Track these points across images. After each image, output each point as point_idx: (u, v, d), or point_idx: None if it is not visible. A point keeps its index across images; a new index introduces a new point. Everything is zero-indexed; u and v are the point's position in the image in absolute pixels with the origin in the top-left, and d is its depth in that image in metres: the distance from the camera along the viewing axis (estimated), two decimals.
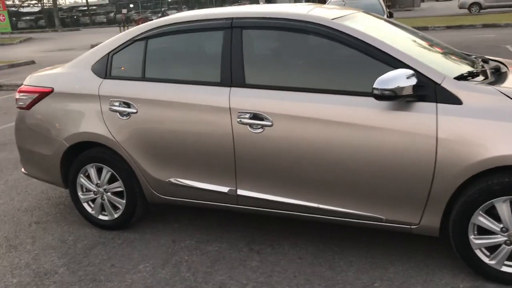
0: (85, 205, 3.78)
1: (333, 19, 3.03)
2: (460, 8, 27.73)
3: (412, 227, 2.86)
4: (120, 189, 3.60)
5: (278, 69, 3.13)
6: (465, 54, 3.59)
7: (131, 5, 67.20)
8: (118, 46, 3.53)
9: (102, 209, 3.74)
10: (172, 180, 3.37)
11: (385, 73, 2.71)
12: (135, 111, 3.36)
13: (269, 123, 2.98)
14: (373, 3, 11.75)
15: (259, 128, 3.01)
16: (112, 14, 63.38)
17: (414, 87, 2.64)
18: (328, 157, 2.88)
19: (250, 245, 3.38)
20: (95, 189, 3.68)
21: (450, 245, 3.02)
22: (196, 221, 3.81)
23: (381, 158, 2.76)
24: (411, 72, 2.65)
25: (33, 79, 3.88)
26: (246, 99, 3.06)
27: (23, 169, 4.11)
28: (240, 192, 3.20)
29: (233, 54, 3.14)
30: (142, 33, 3.47)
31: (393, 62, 2.78)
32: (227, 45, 3.17)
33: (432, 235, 2.86)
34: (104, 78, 3.53)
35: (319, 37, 3.00)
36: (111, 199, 3.66)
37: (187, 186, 3.34)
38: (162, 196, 3.49)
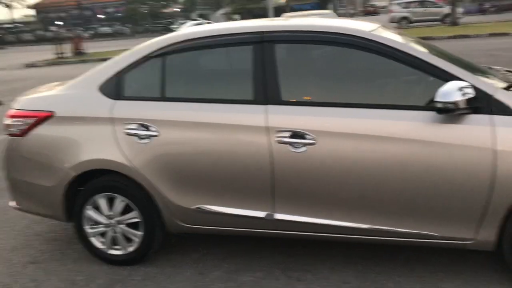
0: (93, 239, 3.41)
1: (370, 31, 2.92)
2: (391, 22, 29.00)
3: (466, 242, 2.78)
4: (135, 220, 3.27)
5: (317, 84, 2.98)
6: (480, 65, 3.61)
7: (61, 23, 64.88)
8: (131, 64, 3.24)
9: (113, 243, 3.38)
10: (200, 207, 3.10)
11: (433, 86, 2.63)
12: (156, 133, 3.07)
13: (313, 141, 2.81)
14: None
15: (301, 147, 2.83)
16: (40, 32, 60.87)
17: (468, 99, 2.58)
18: (378, 175, 2.75)
19: (286, 272, 3.17)
20: (105, 222, 3.33)
21: (496, 259, 2.96)
22: (215, 249, 3.54)
23: (435, 173, 2.67)
24: (467, 84, 2.58)
25: (27, 103, 3.48)
26: (285, 116, 2.88)
27: (13, 203, 3.66)
28: (279, 216, 2.99)
29: (267, 70, 2.95)
30: (158, 49, 3.20)
31: (442, 75, 2.71)
32: (258, 60, 2.97)
33: (487, 249, 2.78)
34: (116, 99, 3.21)
35: (358, 50, 2.87)
36: (125, 232, 3.32)
37: (217, 213, 3.09)
38: (187, 225, 3.21)
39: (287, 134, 2.85)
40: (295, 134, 2.84)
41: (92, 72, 3.42)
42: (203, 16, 59.64)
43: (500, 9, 41.94)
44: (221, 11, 54.03)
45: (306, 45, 3.00)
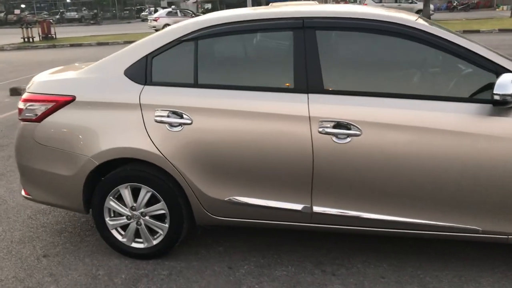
0: (114, 232, 3.24)
1: (415, 20, 2.85)
2: None
3: (509, 236, 2.75)
4: (161, 211, 3.12)
5: (361, 73, 2.88)
6: None
7: (23, 5, 62.60)
8: (160, 48, 3.06)
9: (136, 235, 3.22)
10: (233, 198, 2.98)
11: (481, 77, 2.60)
12: (189, 121, 2.92)
13: (358, 132, 2.72)
14: None
15: (345, 138, 2.74)
16: (2, 15, 58.64)
17: None
18: (425, 168, 2.69)
19: (319, 267, 3.09)
20: (129, 213, 3.16)
21: None
22: (238, 242, 3.43)
23: (482, 166, 2.63)
24: None
25: (44, 86, 3.26)
26: (328, 106, 2.78)
27: (24, 193, 3.45)
28: (316, 209, 2.90)
29: (308, 57, 2.84)
30: (190, 33, 3.03)
31: (492, 67, 2.66)
32: (299, 47, 2.86)
33: None
34: (144, 84, 3.04)
35: (403, 39, 2.79)
36: (150, 224, 3.16)
37: (251, 205, 2.97)
38: (217, 217, 3.07)
39: (331, 124, 2.75)
40: (339, 125, 2.75)
41: (115, 55, 3.23)
42: (173, 4, 58.69)
43: (468, 7, 43.02)
44: (192, 0, 53.25)
45: (349, 32, 2.89)
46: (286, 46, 2.91)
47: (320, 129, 2.76)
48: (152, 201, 3.12)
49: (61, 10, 58.82)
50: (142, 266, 3.17)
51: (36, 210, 4.12)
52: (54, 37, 26.52)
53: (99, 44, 22.71)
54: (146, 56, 3.07)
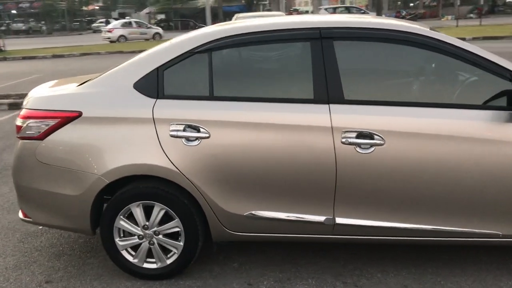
0: (124, 253, 3.09)
1: (430, 30, 2.89)
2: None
3: None
4: (176, 229, 3.00)
5: (380, 83, 2.89)
6: None
7: None
8: (171, 60, 2.96)
9: (148, 255, 3.09)
10: (253, 213, 2.90)
11: (497, 84, 2.66)
12: (207, 135, 2.83)
13: (381, 142, 2.72)
14: None
15: (368, 148, 2.73)
16: None
17: None
18: (448, 175, 2.72)
19: (339, 278, 3.06)
20: (141, 233, 3.02)
21: None
22: (253, 257, 3.35)
23: (505, 171, 2.68)
24: None
25: (45, 101, 3.08)
26: (351, 116, 2.76)
27: (22, 215, 3.24)
28: (339, 220, 2.87)
29: (327, 67, 2.82)
30: (203, 45, 2.95)
31: (506, 73, 2.73)
32: (317, 57, 2.83)
33: None
34: (156, 98, 2.93)
35: (420, 48, 2.83)
36: (163, 243, 3.04)
37: (272, 218, 2.91)
38: (236, 233, 2.99)
39: (354, 134, 2.74)
40: (362, 135, 2.74)
41: (121, 68, 3.10)
42: (125, 15, 57.83)
43: (415, 17, 44.65)
44: (146, 10, 52.64)
45: (367, 42, 2.90)
46: (304, 57, 2.88)
47: (343, 140, 2.74)
48: (165, 219, 3.00)
49: (6, 22, 56.70)
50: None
51: (25, 233, 3.89)
52: (2, 49, 25.47)
53: (55, 56, 21.99)
54: (157, 68, 2.96)
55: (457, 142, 2.68)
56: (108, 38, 31.79)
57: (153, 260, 3.09)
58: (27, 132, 3.01)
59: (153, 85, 2.94)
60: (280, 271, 3.16)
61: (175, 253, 3.05)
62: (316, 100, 2.81)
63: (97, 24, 56.35)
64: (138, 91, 2.95)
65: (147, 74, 2.96)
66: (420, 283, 2.96)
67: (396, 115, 2.75)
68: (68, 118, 2.95)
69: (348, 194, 2.82)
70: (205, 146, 2.83)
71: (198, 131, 2.84)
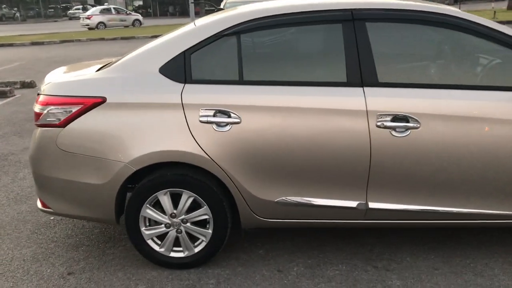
0: (150, 242, 3.01)
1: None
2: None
3: None
4: (204, 217, 2.94)
5: (414, 65, 2.86)
6: None
7: None
8: (199, 43, 2.87)
9: (174, 244, 3.02)
10: (285, 199, 2.86)
11: None
12: (237, 120, 2.76)
13: (417, 125, 2.69)
14: None
15: (404, 131, 2.70)
16: None
17: None
18: (484, 158, 2.71)
19: (369, 263, 3.04)
20: (168, 221, 2.95)
21: None
22: (279, 243, 3.31)
23: None
24: None
25: (66, 87, 2.96)
26: (386, 99, 2.73)
27: (41, 206, 3.13)
28: (372, 205, 2.84)
29: (360, 50, 2.77)
30: (232, 27, 2.86)
31: None
32: (350, 40, 2.78)
33: None
34: (184, 82, 2.84)
35: (455, 30, 2.80)
36: (192, 231, 2.97)
37: (304, 204, 2.86)
38: (266, 220, 2.94)
39: (389, 118, 2.71)
40: (398, 118, 2.70)
41: (144, 52, 3.00)
42: (100, 2, 56.67)
43: None
44: None
45: (399, 24, 2.85)
46: (336, 39, 2.82)
47: (379, 123, 2.70)
48: (192, 207, 2.93)
49: None
50: (184, 277, 2.98)
51: (37, 224, 3.77)
52: None
53: (34, 43, 21.44)
54: (184, 52, 2.86)
55: (493, 124, 2.67)
56: (87, 25, 31.15)
57: (180, 248, 3.02)
58: (47, 119, 2.89)
59: (180, 69, 2.85)
60: (308, 257, 3.13)
61: (203, 241, 2.99)
62: (350, 83, 2.76)
63: (73, 11, 55.16)
64: (165, 76, 2.85)
65: (173, 58, 2.87)
66: (451, 266, 2.97)
67: (430, 98, 2.72)
68: (91, 104, 2.84)
69: (382, 179, 2.79)
70: (236, 131, 2.77)
71: (229, 116, 2.77)
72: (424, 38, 2.90)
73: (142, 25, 32.46)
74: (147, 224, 2.99)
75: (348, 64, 2.77)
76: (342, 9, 2.83)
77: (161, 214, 2.94)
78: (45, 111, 2.89)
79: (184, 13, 47.73)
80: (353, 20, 2.80)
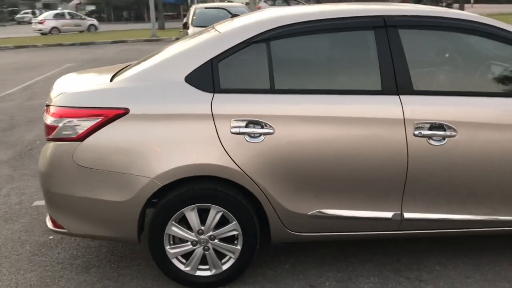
0: (175, 261, 2.84)
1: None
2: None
3: None
4: (233, 233, 2.79)
5: (447, 72, 2.83)
6: None
7: None
8: (227, 51, 2.73)
9: (200, 262, 2.86)
10: (319, 212, 2.76)
11: None
12: (271, 131, 2.64)
13: (454, 133, 2.66)
14: (241, 10, 11.73)
15: (441, 140, 2.66)
16: None
17: None
18: None
19: (400, 274, 2.99)
20: (195, 238, 2.79)
21: None
22: (302, 258, 3.20)
23: None
24: None
25: (84, 98, 2.76)
26: (422, 107, 2.68)
27: (53, 226, 2.90)
28: (407, 215, 2.79)
29: (394, 57, 2.71)
30: (260, 34, 2.75)
31: None
32: (383, 47, 2.72)
33: None
34: (212, 92, 2.69)
35: (485, 37, 2.80)
36: (220, 248, 2.82)
37: (337, 217, 2.77)
38: (298, 234, 2.83)
39: (426, 126, 2.66)
40: (435, 126, 2.66)
41: (167, 60, 2.84)
42: (49, 6, 55.03)
43: None
44: (75, 1, 50.23)
45: (431, 31, 2.82)
46: (369, 46, 2.75)
47: (416, 132, 2.65)
48: (220, 223, 2.78)
49: None
50: None
51: (36, 244, 3.50)
52: None
53: None
54: (211, 60, 2.72)
55: None
56: (40, 30, 30.07)
57: (206, 267, 2.86)
58: (64, 133, 2.68)
59: (207, 78, 2.70)
60: (337, 271, 3.04)
61: (231, 258, 2.85)
62: (385, 91, 2.70)
63: (21, 15, 53.20)
64: (191, 85, 2.70)
65: (200, 67, 2.72)
66: (482, 274, 2.95)
67: (466, 105, 2.70)
68: (113, 116, 2.65)
69: (417, 188, 2.74)
70: (269, 142, 2.64)
71: (262, 126, 2.64)
72: (457, 45, 2.88)
73: (98, 30, 31.64)
74: (171, 242, 2.81)
75: (383, 71, 2.70)
76: (373, 16, 2.77)
77: (187, 231, 2.77)
78: (60, 124, 2.67)
79: (139, 18, 47.03)
80: (385, 26, 2.74)
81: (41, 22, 30.43)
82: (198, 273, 2.86)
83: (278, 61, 2.75)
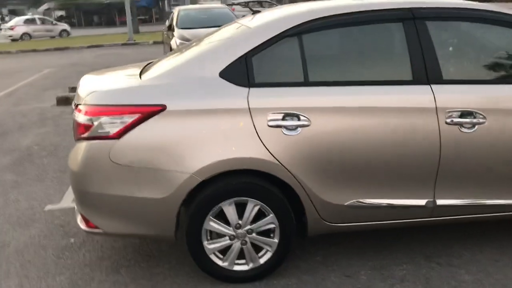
0: (212, 257, 2.84)
1: None
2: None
3: None
4: (270, 226, 2.82)
5: (475, 62, 2.92)
6: None
7: None
8: (260, 45, 2.75)
9: (238, 257, 2.87)
10: (356, 202, 2.80)
11: None
12: (307, 123, 2.67)
13: (483, 120, 2.75)
14: (225, 12, 11.72)
15: (472, 127, 2.74)
16: None
17: None
18: None
19: (432, 259, 3.06)
20: (232, 233, 2.80)
21: None
22: (332, 249, 3.23)
23: None
24: None
25: (119, 95, 2.74)
26: (453, 96, 2.76)
27: (87, 226, 2.86)
28: (439, 202, 2.86)
29: (424, 48, 2.78)
30: (292, 28, 2.78)
31: None
32: (413, 38, 2.79)
33: None
34: (248, 86, 2.71)
35: (508, 27, 2.89)
36: (257, 241, 2.84)
37: (374, 206, 2.82)
38: (334, 224, 2.87)
39: (457, 114, 2.74)
40: (465, 114, 2.74)
41: (199, 56, 2.85)
42: (15, 12, 53.75)
43: None
44: (44, 7, 49.26)
45: (457, 22, 2.91)
46: (399, 38, 2.82)
47: (448, 120, 2.72)
48: (259, 216, 2.80)
49: None
50: None
51: (57, 248, 3.44)
52: None
53: None
54: (245, 55, 2.73)
55: None
56: (10, 36, 29.41)
57: (243, 261, 2.87)
58: (99, 131, 2.65)
59: (242, 73, 2.72)
60: (368, 260, 3.09)
61: (267, 251, 2.86)
62: (416, 81, 2.77)
63: None
64: (226, 80, 2.71)
65: (234, 62, 2.73)
66: (510, 257, 3.04)
67: (495, 93, 2.79)
68: (149, 113, 2.64)
69: (449, 175, 2.81)
70: (306, 134, 2.68)
71: (299, 119, 2.67)
72: (481, 35, 2.97)
73: (69, 35, 31.12)
74: (209, 237, 2.81)
75: (413, 62, 2.77)
76: (402, 8, 2.84)
77: (225, 225, 2.78)
78: (96, 123, 2.64)
79: (110, 22, 46.42)
80: (414, 18, 2.81)
81: (11, 28, 29.76)
82: (236, 268, 2.86)
83: (311, 54, 2.78)
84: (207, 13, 11.37)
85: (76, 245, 3.47)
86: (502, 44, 3.00)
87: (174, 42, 9.95)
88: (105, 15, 48.49)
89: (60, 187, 4.55)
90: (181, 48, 3.38)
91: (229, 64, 2.73)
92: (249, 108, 2.66)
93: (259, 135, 2.65)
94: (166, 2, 50.57)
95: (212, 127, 2.65)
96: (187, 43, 9.48)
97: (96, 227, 2.83)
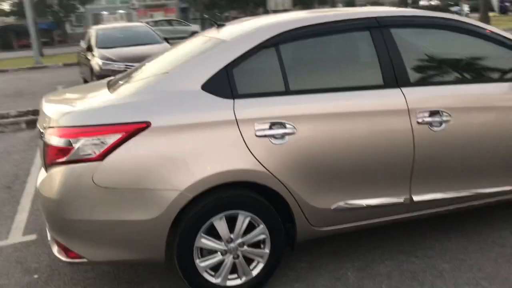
0: (205, 274, 2.77)
1: None
2: None
3: None
4: (261, 237, 2.81)
5: (438, 64, 3.15)
6: None
7: None
8: (239, 58, 2.76)
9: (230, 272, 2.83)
10: (340, 204, 2.88)
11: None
12: (292, 131, 2.72)
13: (449, 119, 2.96)
14: (143, 30, 11.53)
15: (440, 125, 2.95)
16: None
17: None
18: (506, 143, 3.08)
19: (410, 254, 3.22)
20: (224, 248, 2.75)
21: None
22: (314, 255, 3.28)
23: None
24: None
25: (98, 115, 2.59)
26: (421, 97, 2.95)
27: (70, 257, 2.67)
28: (416, 198, 3.02)
29: (391, 53, 2.95)
30: (269, 39, 2.82)
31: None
32: (380, 44, 2.95)
33: None
34: (232, 98, 2.70)
35: (462, 33, 3.16)
36: (249, 254, 2.81)
37: (357, 207, 2.92)
38: (320, 229, 2.92)
39: (427, 113, 2.92)
40: (434, 113, 2.94)
41: (178, 71, 2.79)
42: None
43: None
44: None
45: (418, 29, 3.12)
46: (367, 45, 2.96)
47: (419, 120, 2.90)
48: (249, 228, 2.78)
49: None
50: None
51: (20, 286, 3.17)
52: None
53: None
54: (225, 67, 2.73)
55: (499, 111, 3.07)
56: None
57: (235, 276, 2.83)
58: (81, 154, 2.50)
59: (224, 85, 2.71)
60: (352, 260, 3.17)
61: (259, 262, 2.85)
62: (387, 85, 2.92)
63: None
64: (209, 93, 2.68)
65: (215, 74, 2.71)
66: (477, 243, 3.27)
67: (456, 92, 3.03)
68: (134, 131, 2.54)
69: (422, 171, 2.98)
70: (292, 142, 2.72)
71: (285, 127, 2.71)
72: (439, 40, 3.20)
73: None
74: (200, 255, 2.74)
75: (383, 67, 2.92)
76: (368, 17, 3.00)
77: (217, 241, 2.73)
78: (77, 145, 2.49)
79: (7, 46, 43.64)
80: (379, 27, 2.97)
81: None
82: (229, 283, 2.81)
83: (289, 64, 2.84)
84: (125, 32, 11.12)
85: (41, 281, 3.21)
86: (455, 47, 3.26)
87: (96, 63, 9.61)
88: (1, 39, 45.49)
89: (4, 221, 4.19)
90: (149, 64, 3.28)
91: (211, 77, 2.70)
92: (236, 120, 2.64)
93: (248, 146, 2.64)
94: (67, 24, 48.69)
95: (200, 141, 2.60)
96: (111, 62, 9.35)
97: (79, 257, 2.64)
